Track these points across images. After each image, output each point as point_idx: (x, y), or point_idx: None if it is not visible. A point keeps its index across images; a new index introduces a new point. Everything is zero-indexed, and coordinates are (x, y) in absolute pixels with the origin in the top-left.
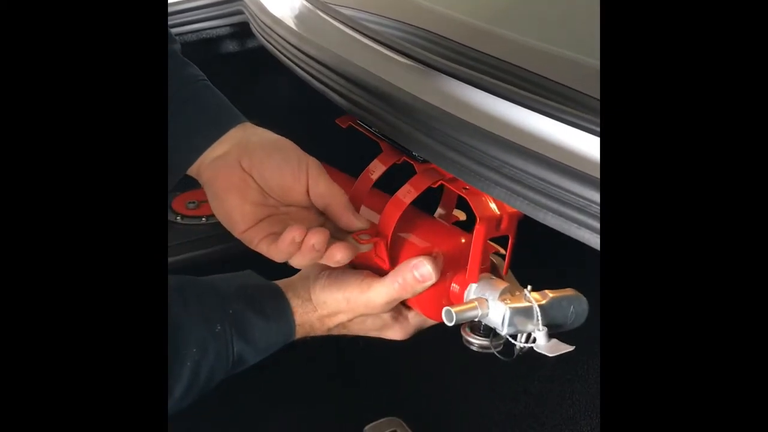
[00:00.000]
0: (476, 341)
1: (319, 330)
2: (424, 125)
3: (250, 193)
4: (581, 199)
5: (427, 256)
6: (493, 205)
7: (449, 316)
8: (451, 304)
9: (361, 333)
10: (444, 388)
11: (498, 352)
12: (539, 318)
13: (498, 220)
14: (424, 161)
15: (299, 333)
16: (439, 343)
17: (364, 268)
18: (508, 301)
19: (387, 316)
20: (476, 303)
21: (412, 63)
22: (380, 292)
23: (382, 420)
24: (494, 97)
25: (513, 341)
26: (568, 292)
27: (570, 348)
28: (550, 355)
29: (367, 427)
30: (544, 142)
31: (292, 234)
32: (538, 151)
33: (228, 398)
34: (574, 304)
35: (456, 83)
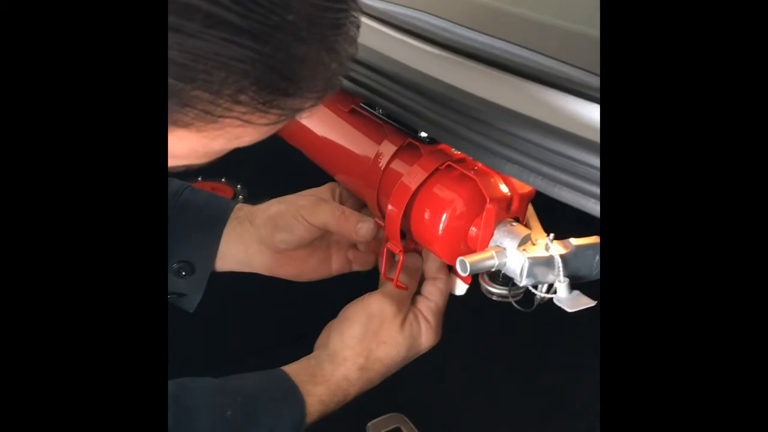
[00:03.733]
0: (495, 290)
1: (358, 382)
2: (432, 102)
3: (304, 255)
4: (598, 172)
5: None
6: (503, 187)
7: (463, 267)
8: (469, 249)
9: (399, 357)
10: (448, 384)
11: (516, 302)
12: (561, 269)
13: (508, 202)
14: (431, 143)
15: (335, 396)
16: (443, 339)
17: None
18: (528, 251)
19: (411, 322)
20: (493, 252)
21: (419, 42)
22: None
23: (385, 416)
24: (505, 72)
25: (534, 291)
26: (595, 240)
27: (592, 303)
28: (570, 310)
29: (370, 424)
30: (560, 115)
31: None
32: (554, 124)
33: None
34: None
35: (466, 59)
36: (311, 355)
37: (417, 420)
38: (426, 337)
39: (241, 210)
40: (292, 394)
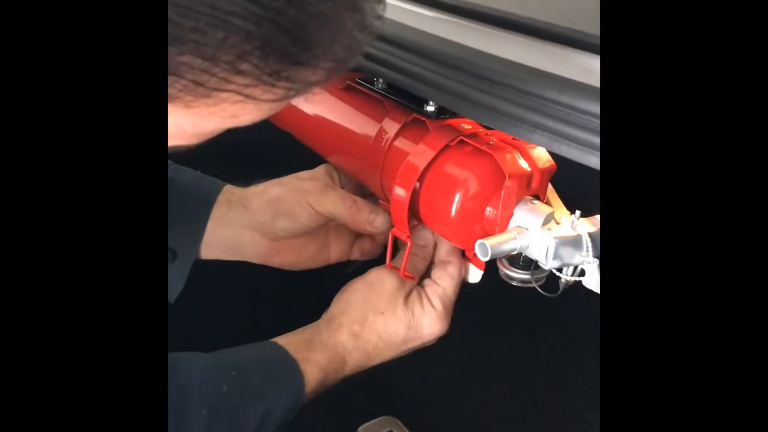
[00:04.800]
0: (516, 275)
1: (354, 352)
2: (445, 67)
3: (303, 243)
4: None
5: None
6: (522, 162)
7: (483, 250)
8: (485, 232)
9: (397, 334)
10: (441, 386)
11: (540, 286)
12: (590, 249)
13: (529, 178)
14: (438, 117)
15: (332, 362)
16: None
17: None
18: (552, 230)
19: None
20: (514, 233)
21: (425, 9)
22: None
23: (377, 419)
24: (529, 36)
25: (558, 274)
26: None
27: None
28: None
29: (361, 427)
30: (595, 75)
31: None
32: (590, 83)
33: None
34: None
35: (482, 24)
36: (310, 324)
37: (409, 424)
38: (430, 323)
39: (233, 193)
40: (289, 365)
